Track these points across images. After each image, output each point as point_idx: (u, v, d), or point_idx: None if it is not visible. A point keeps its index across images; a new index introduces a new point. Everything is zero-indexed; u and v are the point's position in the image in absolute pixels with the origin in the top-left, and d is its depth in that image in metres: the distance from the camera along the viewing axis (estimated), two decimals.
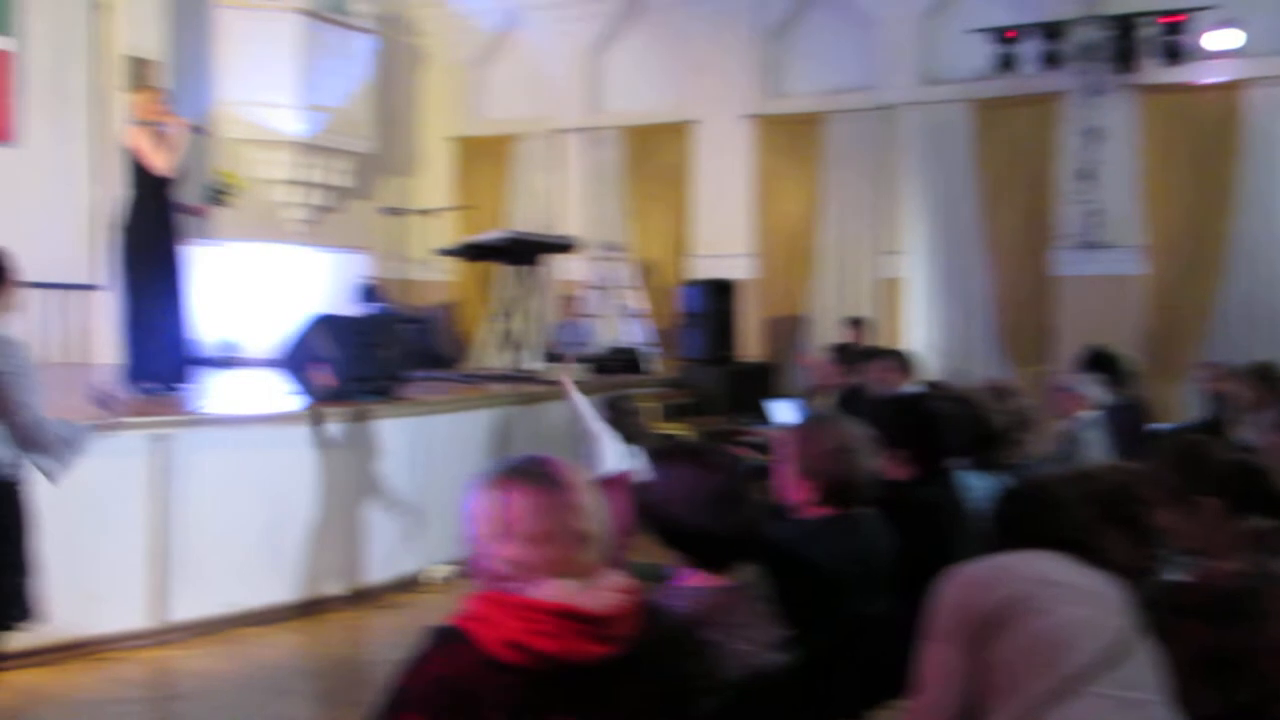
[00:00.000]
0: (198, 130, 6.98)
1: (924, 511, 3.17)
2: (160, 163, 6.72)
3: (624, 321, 11.63)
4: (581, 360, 10.08)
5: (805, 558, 2.68)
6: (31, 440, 3.71)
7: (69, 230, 9.50)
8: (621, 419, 5.94)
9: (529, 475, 1.94)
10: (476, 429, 7.43)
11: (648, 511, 2.36)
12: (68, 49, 9.83)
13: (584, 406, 6.05)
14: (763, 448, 6.50)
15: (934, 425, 3.48)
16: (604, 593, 1.87)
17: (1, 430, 3.72)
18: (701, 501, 2.30)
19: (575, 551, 1.88)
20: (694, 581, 2.35)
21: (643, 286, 11.78)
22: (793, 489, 2.85)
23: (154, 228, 6.81)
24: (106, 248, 7.14)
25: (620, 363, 10.40)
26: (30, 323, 8.50)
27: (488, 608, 1.83)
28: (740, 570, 2.39)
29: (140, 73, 9.97)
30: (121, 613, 5.39)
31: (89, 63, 9.99)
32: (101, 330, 9.70)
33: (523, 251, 9.57)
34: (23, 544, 3.81)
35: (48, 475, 3.81)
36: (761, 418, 8.38)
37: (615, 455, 5.70)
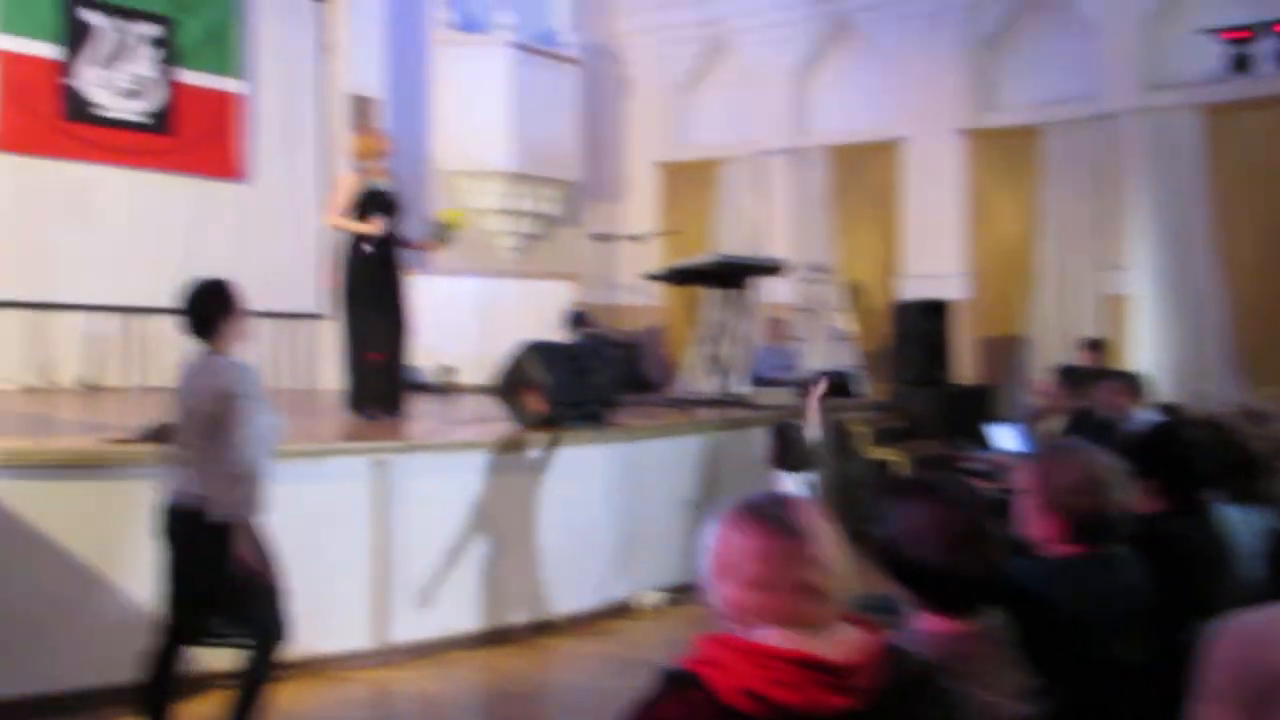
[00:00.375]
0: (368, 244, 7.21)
1: (1180, 548, 2.90)
2: (330, 217, 7.05)
3: (832, 344, 11.41)
4: (789, 384, 9.90)
5: (1053, 599, 2.47)
6: (227, 469, 3.82)
7: (297, 262, 9.96)
8: (788, 445, 5.80)
9: (762, 517, 1.81)
10: (684, 455, 7.36)
11: (882, 550, 2.21)
12: (296, 90, 10.32)
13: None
14: (985, 475, 6.20)
15: (1187, 452, 3.19)
16: (844, 642, 1.73)
17: (263, 462, 3.90)
18: (941, 539, 2.14)
19: (801, 604, 1.74)
20: (933, 626, 2.18)
21: (851, 308, 11.54)
22: (1037, 524, 2.64)
23: (376, 258, 7.04)
24: (331, 277, 7.41)
25: (830, 386, 10.15)
26: (261, 350, 8.96)
27: (721, 651, 1.72)
28: (983, 613, 2.21)
29: (362, 111, 10.40)
30: (347, 633, 5.52)
31: (316, 102, 10.46)
32: (326, 357, 10.12)
33: (730, 275, 9.47)
34: (267, 572, 3.98)
35: (213, 511, 3.86)
36: (981, 443, 8.03)
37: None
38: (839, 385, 10.07)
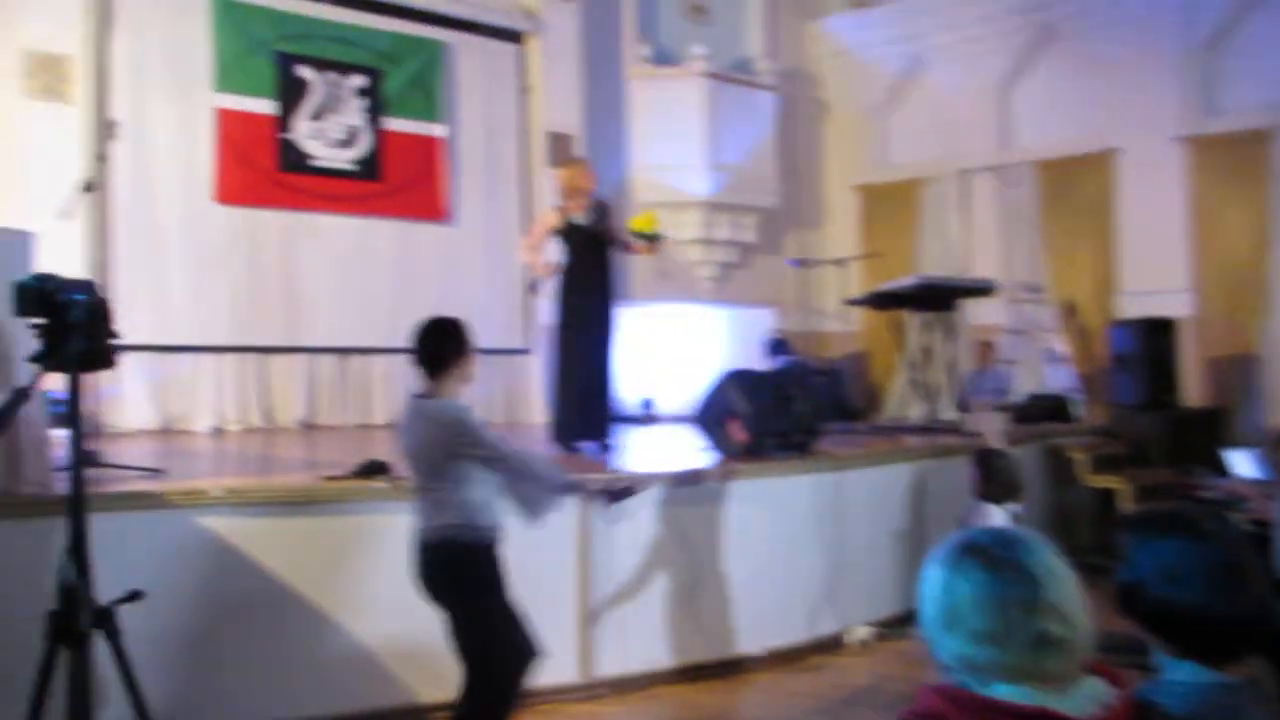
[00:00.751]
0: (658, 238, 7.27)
1: None
2: (537, 265, 7.18)
3: (1046, 366, 10.92)
4: (1001, 409, 9.49)
5: None
6: (520, 481, 4.00)
7: (501, 298, 10.16)
8: (992, 474, 5.51)
9: (989, 559, 1.62)
10: (892, 484, 7.13)
11: (1126, 591, 1.99)
12: (496, 130, 10.55)
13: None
14: (1223, 504, 5.75)
15: None
16: (1091, 698, 1.54)
17: (482, 494, 3.94)
18: (1199, 577, 1.91)
19: (1040, 658, 1.55)
20: (1189, 676, 1.95)
21: (1065, 328, 11.03)
22: None
23: (582, 289, 7.08)
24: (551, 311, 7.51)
25: (1044, 410, 9.72)
26: (470, 386, 9.13)
27: (951, 708, 1.55)
28: (1246, 661, 1.97)
29: (560, 147, 10.55)
30: (555, 666, 5.48)
31: (515, 142, 10.67)
32: (531, 393, 10.28)
33: (935, 297, 9.19)
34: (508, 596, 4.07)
35: (528, 519, 4.06)
36: (1216, 469, 7.49)
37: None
38: (1055, 409, 9.64)
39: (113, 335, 3.56)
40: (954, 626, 1.61)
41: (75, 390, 3.36)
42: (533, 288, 7.15)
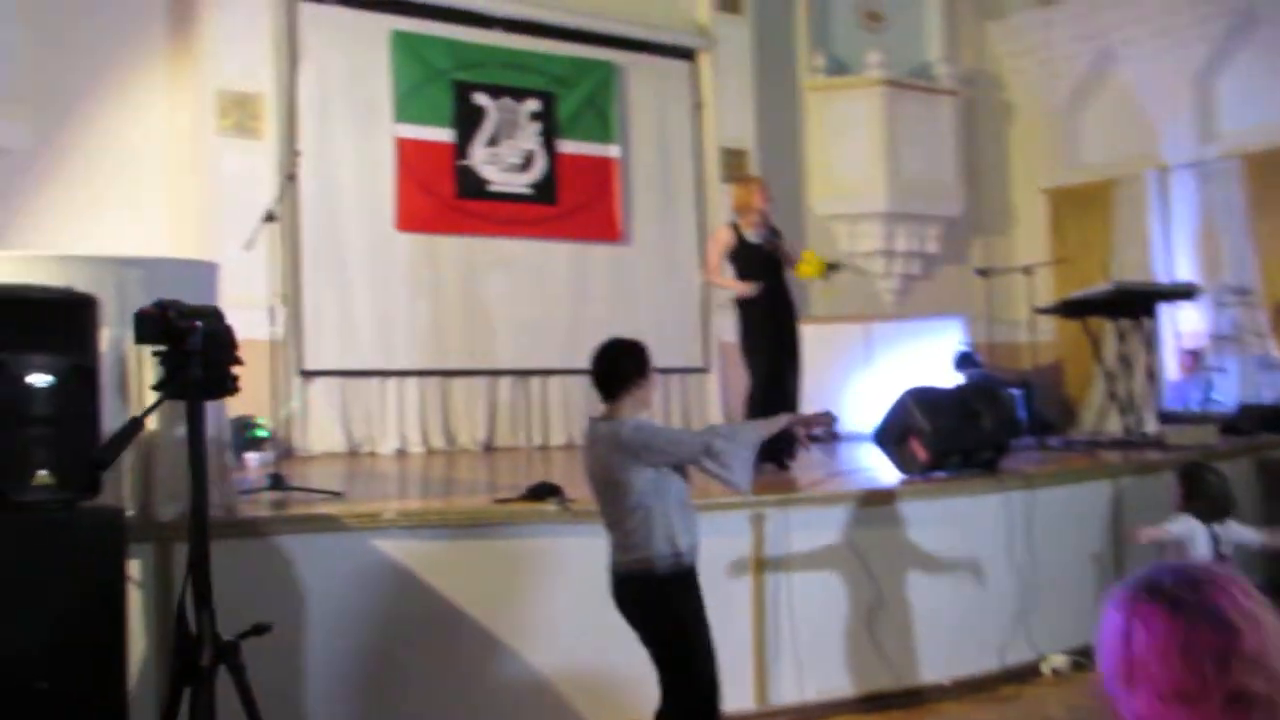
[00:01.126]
0: (833, 268, 7.13)
1: None
2: (718, 279, 7.10)
3: (1258, 374, 10.21)
4: (1206, 421, 8.91)
5: None
6: (716, 457, 3.91)
7: (677, 317, 10.10)
8: (1197, 489, 5.12)
9: (1169, 601, 1.39)
10: (1089, 503, 6.73)
11: None
12: (669, 149, 10.51)
13: None
14: None
15: None
16: None
17: (680, 520, 3.89)
18: None
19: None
20: None
21: (1278, 333, 10.30)
22: None
23: (762, 308, 6.96)
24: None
25: (1256, 421, 9.06)
26: (651, 406, 9.11)
27: None
28: None
29: (734, 164, 10.46)
30: (731, 694, 5.34)
31: (688, 159, 10.61)
32: (710, 412, 10.18)
33: (1133, 303, 8.68)
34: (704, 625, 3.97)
35: (737, 487, 3.99)
36: None
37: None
38: (1270, 419, 8.99)
39: (234, 361, 3.56)
40: (1136, 682, 1.39)
41: (195, 418, 3.43)
42: (745, 302, 7.01)
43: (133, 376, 4.48)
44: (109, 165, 8.35)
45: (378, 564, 4.78)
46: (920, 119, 11.68)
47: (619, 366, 3.99)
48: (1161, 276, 10.73)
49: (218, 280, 5.06)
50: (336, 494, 5.51)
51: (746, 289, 6.91)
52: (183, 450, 4.58)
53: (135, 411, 4.47)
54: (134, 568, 4.36)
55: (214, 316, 3.57)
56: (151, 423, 4.46)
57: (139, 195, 8.40)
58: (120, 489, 4.38)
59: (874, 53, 11.50)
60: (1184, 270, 10.64)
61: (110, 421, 4.39)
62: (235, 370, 3.58)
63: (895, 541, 5.86)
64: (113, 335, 4.39)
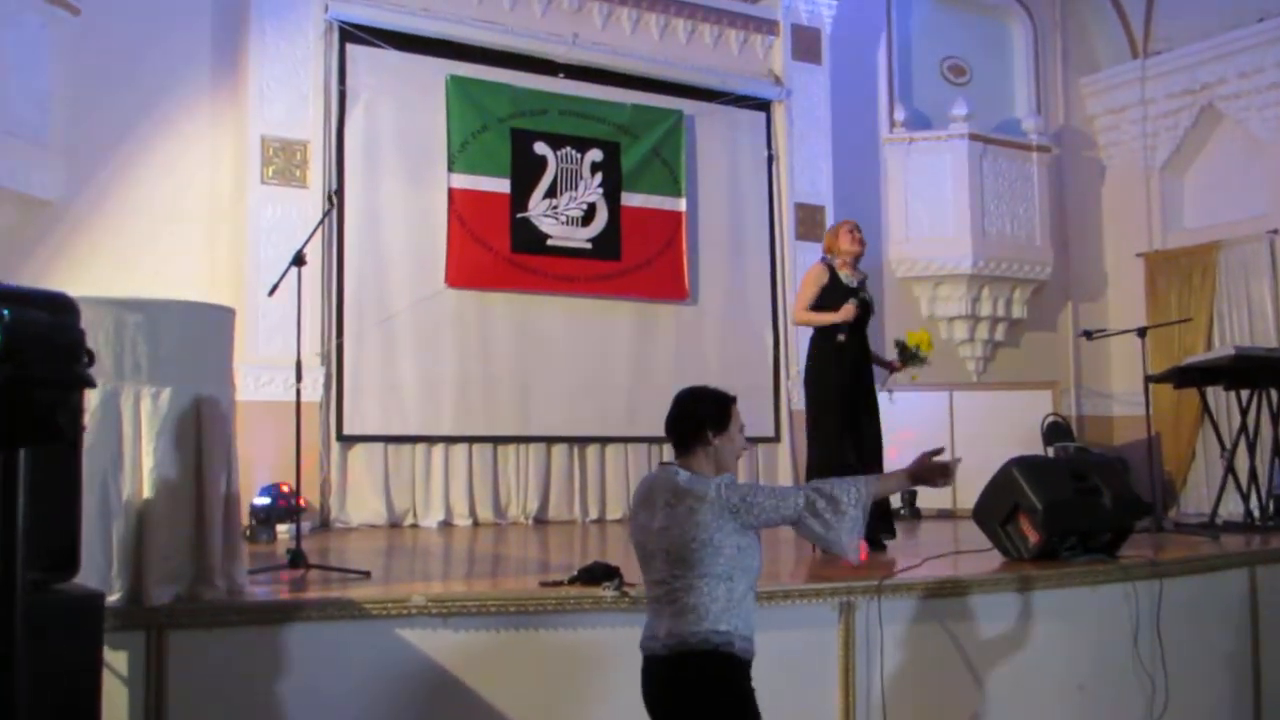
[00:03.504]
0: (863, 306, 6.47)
1: None
2: (794, 313, 6.33)
3: None
4: None
5: None
6: (819, 515, 3.31)
7: (748, 382, 9.33)
8: None
9: None
10: (1220, 595, 5.90)
11: None
12: (740, 203, 9.92)
13: None
14: None
15: None
16: None
17: (753, 600, 3.31)
18: None
19: None
20: None
21: None
22: None
23: (834, 373, 6.29)
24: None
25: None
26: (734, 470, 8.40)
27: None
28: None
29: (810, 220, 9.84)
30: None
31: (760, 214, 10.00)
32: (784, 482, 9.45)
33: (1249, 372, 7.87)
34: None
35: (843, 552, 3.35)
36: None
37: None
38: None
39: (69, 384, 2.07)
40: None
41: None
42: (824, 358, 6.37)
43: (128, 436, 3.86)
44: (146, 213, 7.99)
45: (405, 659, 4.12)
46: (1007, 176, 11.06)
47: (693, 411, 3.41)
48: (1271, 346, 9.87)
49: (233, 327, 4.45)
50: (364, 574, 4.85)
51: (841, 315, 6.24)
52: (182, 524, 4.00)
53: (130, 480, 3.88)
54: (118, 660, 3.73)
55: (38, 304, 2.35)
56: (145, 491, 3.87)
57: (176, 245, 8.00)
58: (106, 569, 3.75)
59: (959, 106, 10.88)
60: None
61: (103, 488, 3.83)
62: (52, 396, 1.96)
63: (1007, 635, 5.11)
64: (105, 388, 3.80)
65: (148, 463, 3.87)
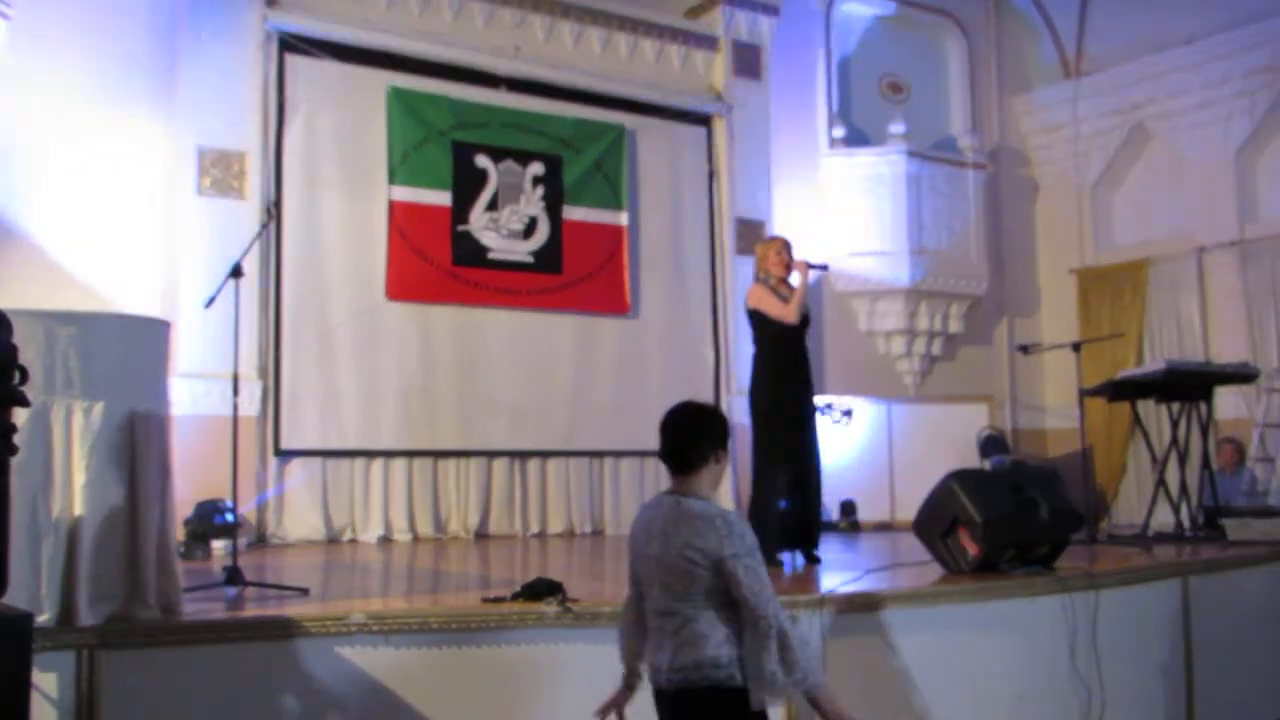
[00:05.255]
0: (818, 267, 6.46)
1: None
2: (786, 314, 6.23)
3: None
4: (1262, 513, 8.18)
5: None
6: (759, 649, 3.04)
7: (688, 394, 9.26)
8: None
9: None
10: (1155, 607, 5.98)
11: None
12: (681, 218, 9.98)
13: None
14: None
15: None
16: None
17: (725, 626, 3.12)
18: None
19: None
20: None
21: None
22: None
23: (778, 386, 6.29)
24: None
25: None
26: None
27: None
28: None
29: (750, 234, 9.89)
30: None
31: (702, 229, 10.03)
32: (724, 498, 9.46)
33: (1180, 386, 8.02)
34: None
35: (755, 698, 3.07)
36: None
37: None
38: None
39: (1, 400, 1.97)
40: None
41: None
42: (762, 373, 6.33)
43: (59, 452, 3.77)
44: (80, 225, 7.81)
45: (345, 677, 4.04)
46: (943, 192, 11.19)
47: (700, 434, 3.26)
48: (1201, 360, 10.08)
49: (169, 340, 4.37)
50: (302, 591, 4.78)
51: (788, 311, 6.23)
52: (115, 542, 3.91)
53: (60, 497, 3.78)
54: (48, 682, 3.63)
55: None
56: (76, 509, 3.79)
57: (111, 256, 7.87)
58: (35, 588, 3.66)
59: (896, 124, 11.00)
60: (1226, 353, 10.00)
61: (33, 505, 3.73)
62: None
63: (942, 649, 5.12)
64: (36, 403, 3.70)
65: (79, 479, 3.77)
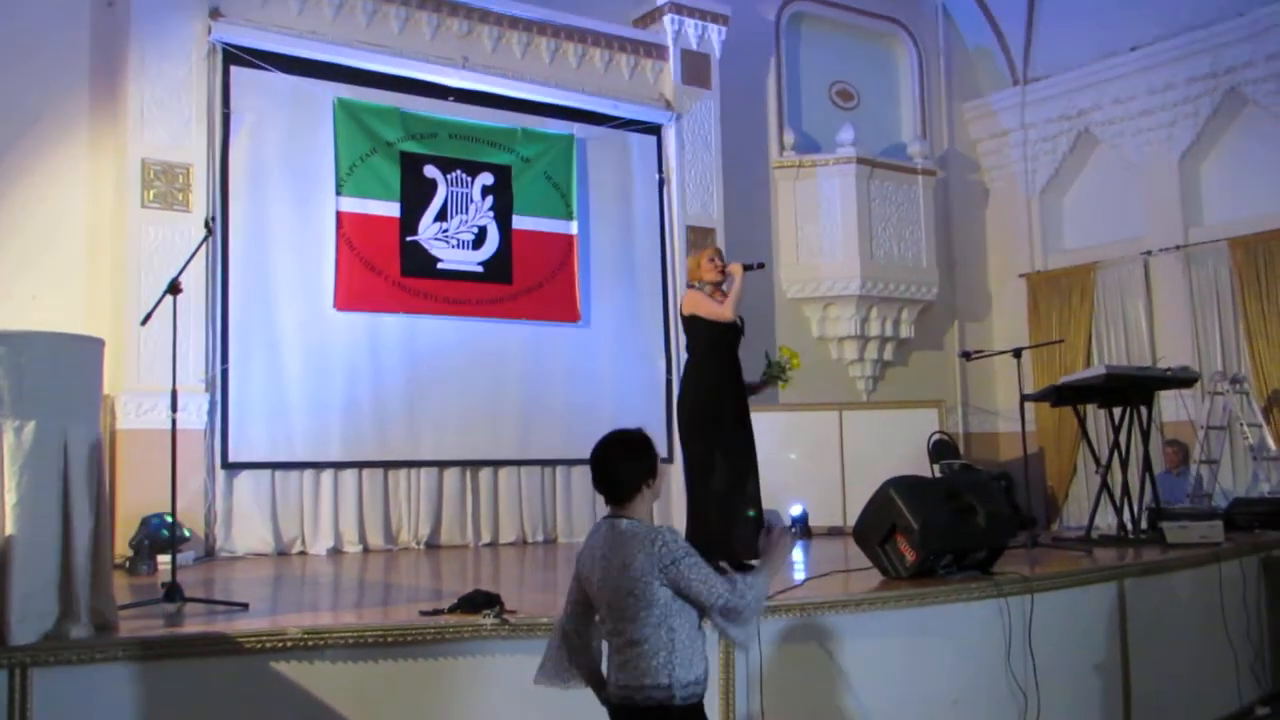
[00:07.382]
0: (754, 267, 6.48)
1: None
2: (723, 312, 6.25)
3: (1254, 466, 9.68)
4: (1201, 515, 8.30)
5: None
6: (733, 616, 3.21)
7: (638, 404, 9.43)
8: None
9: None
10: (1091, 608, 6.07)
11: None
12: (632, 226, 10.00)
13: None
14: None
15: None
16: None
17: (699, 643, 3.24)
18: None
19: None
20: None
21: (1274, 421, 9.79)
22: None
23: (715, 391, 6.30)
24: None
25: (1256, 516, 8.48)
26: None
27: None
28: None
29: (699, 242, 9.92)
30: None
31: (653, 237, 10.07)
32: (673, 503, 9.49)
33: (1121, 390, 8.14)
34: None
35: (743, 646, 3.50)
36: None
37: None
38: (1272, 514, 8.41)
39: None
40: None
41: None
42: (698, 378, 6.34)
43: None
44: (21, 239, 7.80)
45: (280, 693, 4.05)
46: (894, 199, 11.31)
47: (629, 464, 3.32)
48: (1147, 363, 10.22)
49: (102, 358, 4.37)
50: (242, 606, 4.78)
51: (723, 310, 6.23)
52: (47, 560, 3.91)
53: None
54: None
55: None
56: (7, 527, 3.78)
57: (54, 270, 7.83)
58: None
59: (846, 131, 11.10)
60: (1173, 356, 10.14)
61: None
62: None
63: (880, 654, 5.19)
64: None
65: (10, 499, 3.77)
